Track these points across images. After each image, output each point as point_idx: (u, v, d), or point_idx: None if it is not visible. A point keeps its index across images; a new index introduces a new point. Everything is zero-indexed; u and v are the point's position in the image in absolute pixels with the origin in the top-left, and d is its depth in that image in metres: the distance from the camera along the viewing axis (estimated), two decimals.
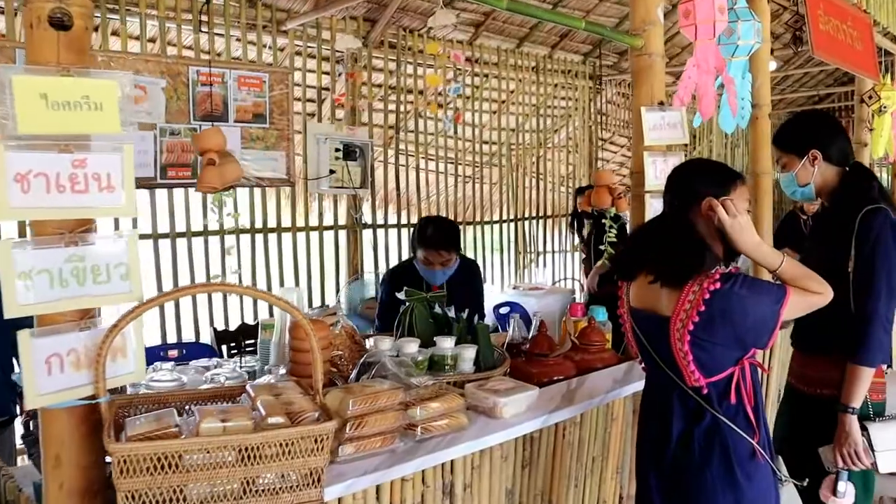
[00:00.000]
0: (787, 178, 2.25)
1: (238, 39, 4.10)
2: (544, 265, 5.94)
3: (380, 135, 4.81)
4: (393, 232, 4.79)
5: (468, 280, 3.15)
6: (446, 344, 2.19)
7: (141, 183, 3.78)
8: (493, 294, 4.94)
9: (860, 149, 4.82)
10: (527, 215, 5.73)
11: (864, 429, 2.07)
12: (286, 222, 4.33)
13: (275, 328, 2.07)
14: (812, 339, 2.25)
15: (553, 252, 5.96)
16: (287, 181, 4.24)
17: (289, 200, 4.37)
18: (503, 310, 4.69)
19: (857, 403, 2.04)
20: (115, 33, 3.75)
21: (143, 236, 3.79)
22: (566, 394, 2.25)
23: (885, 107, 4.65)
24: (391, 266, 3.69)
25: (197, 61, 3.90)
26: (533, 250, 5.89)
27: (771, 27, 6.45)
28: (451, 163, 5.27)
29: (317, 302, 4.38)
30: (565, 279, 6.01)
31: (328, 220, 4.58)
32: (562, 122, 6.25)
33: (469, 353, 2.22)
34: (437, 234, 2.99)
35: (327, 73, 4.42)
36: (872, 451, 2.07)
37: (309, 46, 4.35)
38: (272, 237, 4.25)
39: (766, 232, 3.43)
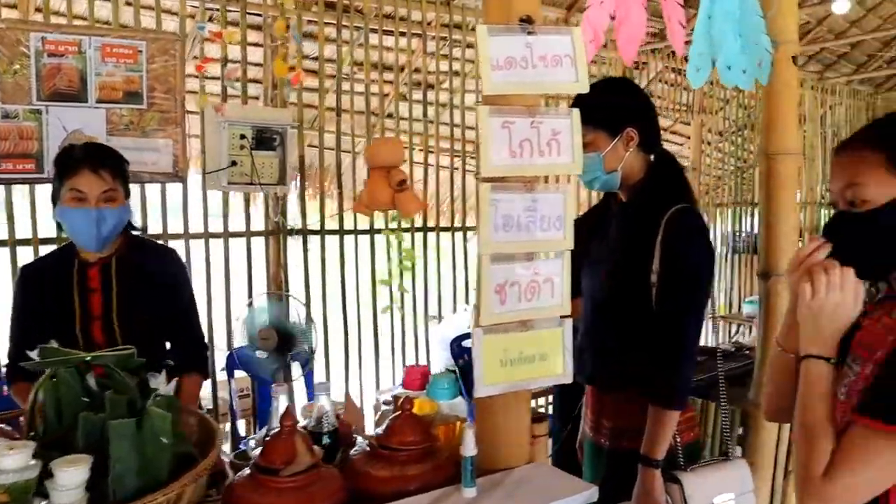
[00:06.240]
0: (591, 160, 1.74)
1: None
2: None
3: (310, 117, 3.83)
4: (333, 240, 3.76)
5: (166, 276, 2.12)
6: (6, 462, 1.15)
7: None
8: (460, 322, 3.82)
9: None
10: None
11: (675, 481, 1.65)
12: (177, 227, 3.44)
13: None
14: (605, 370, 1.82)
15: None
16: (174, 175, 3.35)
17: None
18: (468, 342, 3.52)
19: (661, 454, 1.65)
20: None
21: None
22: None
23: None
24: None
25: (40, 25, 3.08)
26: None
27: None
28: (432, 152, 4.14)
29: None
30: None
31: (239, 224, 3.62)
32: None
33: (69, 475, 1.17)
34: (86, 150, 2.01)
35: (237, 44, 3.47)
36: None
37: (209, 8, 3.44)
38: None
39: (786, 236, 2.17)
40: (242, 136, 3.43)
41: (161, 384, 1.50)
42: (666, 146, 6.24)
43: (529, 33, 1.48)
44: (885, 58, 6.52)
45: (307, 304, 3.66)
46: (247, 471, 1.44)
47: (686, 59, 2.07)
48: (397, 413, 1.55)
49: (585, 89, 1.53)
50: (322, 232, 3.75)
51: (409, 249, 3.12)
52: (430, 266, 4.12)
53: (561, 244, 1.52)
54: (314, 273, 3.74)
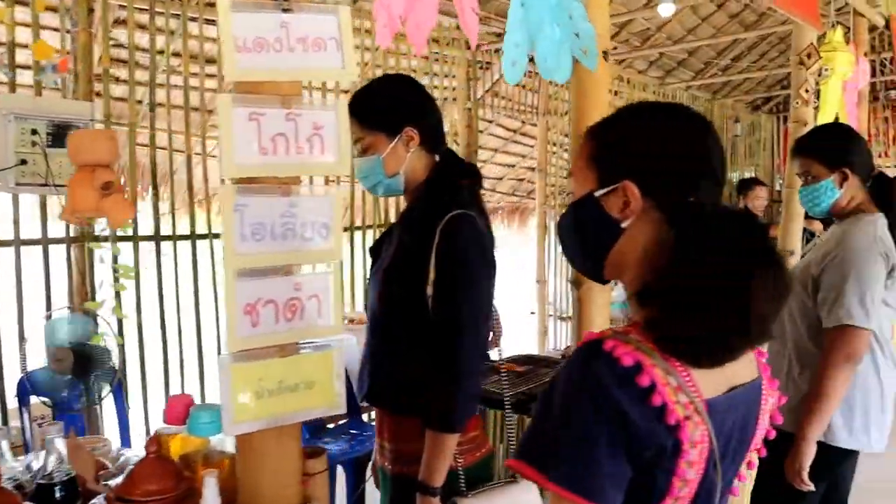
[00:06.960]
0: (370, 163, 1.62)
1: None
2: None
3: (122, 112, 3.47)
4: (147, 246, 3.40)
5: None
6: None
7: None
8: None
9: (799, 128, 3.46)
10: (358, 224, 4.32)
11: None
12: None
13: None
14: (382, 388, 1.66)
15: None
16: None
17: None
18: None
19: (440, 481, 1.51)
20: None
21: None
22: None
23: (826, 69, 3.33)
24: None
25: None
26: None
27: None
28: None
29: None
30: None
31: (34, 231, 3.19)
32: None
33: None
34: None
35: (27, 25, 3.07)
36: None
37: None
38: None
39: None
40: (34, 132, 3.02)
41: None
42: (515, 148, 6.24)
43: (285, 10, 1.28)
44: (721, 65, 6.87)
45: (118, 320, 3.29)
46: None
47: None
48: (144, 458, 1.31)
49: (352, 77, 1.35)
50: (135, 238, 3.38)
51: (126, 266, 2.85)
52: None
53: (328, 255, 1.34)
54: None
